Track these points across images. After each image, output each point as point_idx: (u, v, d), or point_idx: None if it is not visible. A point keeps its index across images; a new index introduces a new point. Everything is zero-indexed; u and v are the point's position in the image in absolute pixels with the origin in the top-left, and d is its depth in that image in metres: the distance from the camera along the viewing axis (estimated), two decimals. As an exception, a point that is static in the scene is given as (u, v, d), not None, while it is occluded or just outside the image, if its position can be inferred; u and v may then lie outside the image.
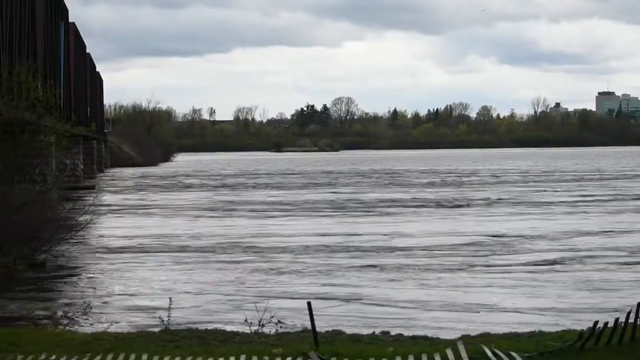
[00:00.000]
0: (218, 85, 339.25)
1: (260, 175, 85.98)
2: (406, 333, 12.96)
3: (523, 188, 58.45)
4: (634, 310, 10.64)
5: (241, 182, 72.20)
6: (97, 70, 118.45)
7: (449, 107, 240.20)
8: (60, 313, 18.08)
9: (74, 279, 22.83)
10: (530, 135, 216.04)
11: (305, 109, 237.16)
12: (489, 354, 10.02)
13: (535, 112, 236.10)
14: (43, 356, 10.09)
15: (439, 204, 45.42)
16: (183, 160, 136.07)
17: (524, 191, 54.89)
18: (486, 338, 11.59)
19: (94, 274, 23.59)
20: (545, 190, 55.42)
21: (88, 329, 14.74)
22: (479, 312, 17.31)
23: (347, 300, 18.82)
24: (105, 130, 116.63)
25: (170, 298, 14.71)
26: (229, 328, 13.36)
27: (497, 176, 75.39)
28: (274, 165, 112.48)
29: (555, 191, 55.05)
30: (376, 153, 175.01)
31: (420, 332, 13.45)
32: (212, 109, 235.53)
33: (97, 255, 27.09)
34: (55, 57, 61.19)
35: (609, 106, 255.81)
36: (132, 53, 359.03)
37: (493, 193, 53.11)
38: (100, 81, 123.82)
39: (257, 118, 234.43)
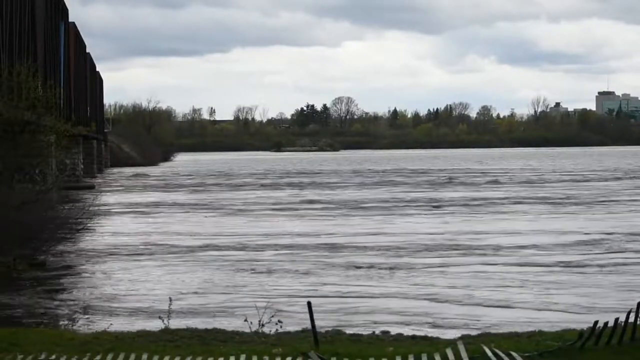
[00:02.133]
0: (218, 85, 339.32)
1: (312, 174, 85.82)
2: (406, 333, 12.95)
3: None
4: (634, 310, 10.63)
5: (302, 181, 72.06)
6: (97, 70, 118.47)
7: (449, 106, 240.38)
8: (60, 313, 18.08)
9: (74, 278, 22.81)
10: (530, 135, 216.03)
11: (305, 108, 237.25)
12: (489, 353, 10.02)
13: (535, 111, 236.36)
14: (43, 356, 10.08)
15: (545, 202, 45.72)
16: (185, 160, 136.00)
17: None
18: (486, 338, 11.58)
19: (93, 273, 23.58)
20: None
21: (88, 329, 14.74)
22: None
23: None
24: (105, 130, 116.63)
25: (170, 298, 14.70)
26: (230, 328, 13.35)
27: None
28: (312, 165, 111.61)
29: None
30: (375, 153, 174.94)
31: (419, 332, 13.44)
32: (212, 108, 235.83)
33: (97, 254, 27.07)
34: (55, 57, 61.21)
35: (609, 106, 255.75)
36: (132, 53, 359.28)
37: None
38: (100, 81, 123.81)
39: (257, 118, 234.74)
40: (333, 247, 27.84)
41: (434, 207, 43.52)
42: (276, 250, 27.40)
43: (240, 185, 66.80)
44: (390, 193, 54.76)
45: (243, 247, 28.24)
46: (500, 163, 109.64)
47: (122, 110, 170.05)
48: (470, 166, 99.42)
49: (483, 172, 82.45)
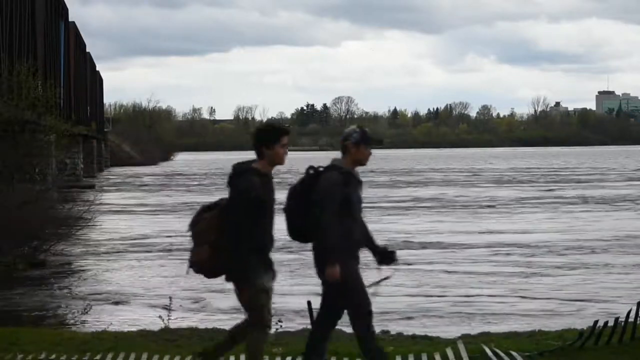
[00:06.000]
0: (218, 85, 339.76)
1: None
2: (406, 332, 12.93)
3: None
4: (634, 309, 10.63)
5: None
6: (97, 69, 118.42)
7: (448, 106, 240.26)
8: (60, 312, 18.08)
9: (74, 278, 22.82)
10: (530, 135, 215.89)
11: (305, 108, 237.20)
12: (489, 353, 10.01)
13: (535, 111, 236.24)
14: (43, 355, 10.07)
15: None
16: (190, 159, 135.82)
17: None
18: (486, 337, 11.57)
19: (94, 272, 23.58)
20: None
21: (88, 328, 14.74)
22: None
23: None
24: (105, 130, 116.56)
25: (170, 297, 14.68)
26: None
27: None
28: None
29: None
30: (376, 152, 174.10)
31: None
32: (212, 108, 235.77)
33: (97, 254, 27.07)
34: (55, 57, 61.20)
35: (609, 105, 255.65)
36: (131, 52, 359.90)
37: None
38: (100, 80, 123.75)
39: (257, 117, 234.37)
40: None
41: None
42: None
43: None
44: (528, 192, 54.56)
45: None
46: (557, 162, 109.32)
47: (122, 110, 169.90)
48: (541, 165, 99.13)
49: (556, 170, 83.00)
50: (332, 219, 7.97)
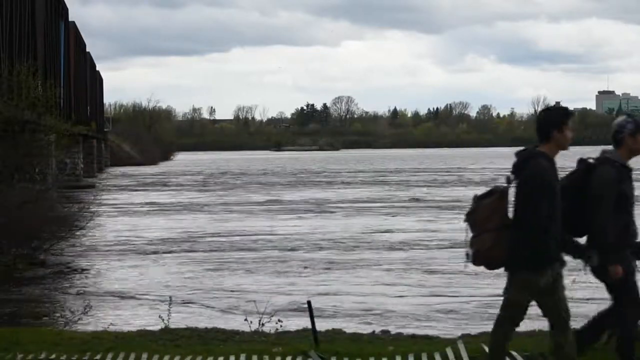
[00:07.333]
0: (218, 85, 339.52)
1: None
2: (406, 332, 12.94)
3: None
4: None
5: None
6: (97, 69, 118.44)
7: (449, 106, 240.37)
8: (60, 312, 18.08)
9: (74, 277, 22.83)
10: (530, 134, 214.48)
11: (305, 108, 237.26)
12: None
13: (535, 111, 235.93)
14: (43, 355, 10.07)
15: None
16: (187, 159, 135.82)
17: None
18: (487, 337, 11.56)
19: (93, 272, 23.59)
20: None
21: (88, 328, 14.74)
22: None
23: None
24: (105, 129, 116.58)
25: (170, 297, 14.69)
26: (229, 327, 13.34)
27: None
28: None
29: None
30: (377, 152, 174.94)
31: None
32: (212, 108, 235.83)
33: (97, 254, 27.08)
34: (55, 57, 61.22)
35: (609, 105, 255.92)
36: (131, 52, 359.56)
37: None
38: (100, 80, 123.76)
39: (257, 117, 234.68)
40: None
41: None
42: None
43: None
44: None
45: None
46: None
47: (122, 110, 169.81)
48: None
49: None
50: (608, 216, 7.83)
